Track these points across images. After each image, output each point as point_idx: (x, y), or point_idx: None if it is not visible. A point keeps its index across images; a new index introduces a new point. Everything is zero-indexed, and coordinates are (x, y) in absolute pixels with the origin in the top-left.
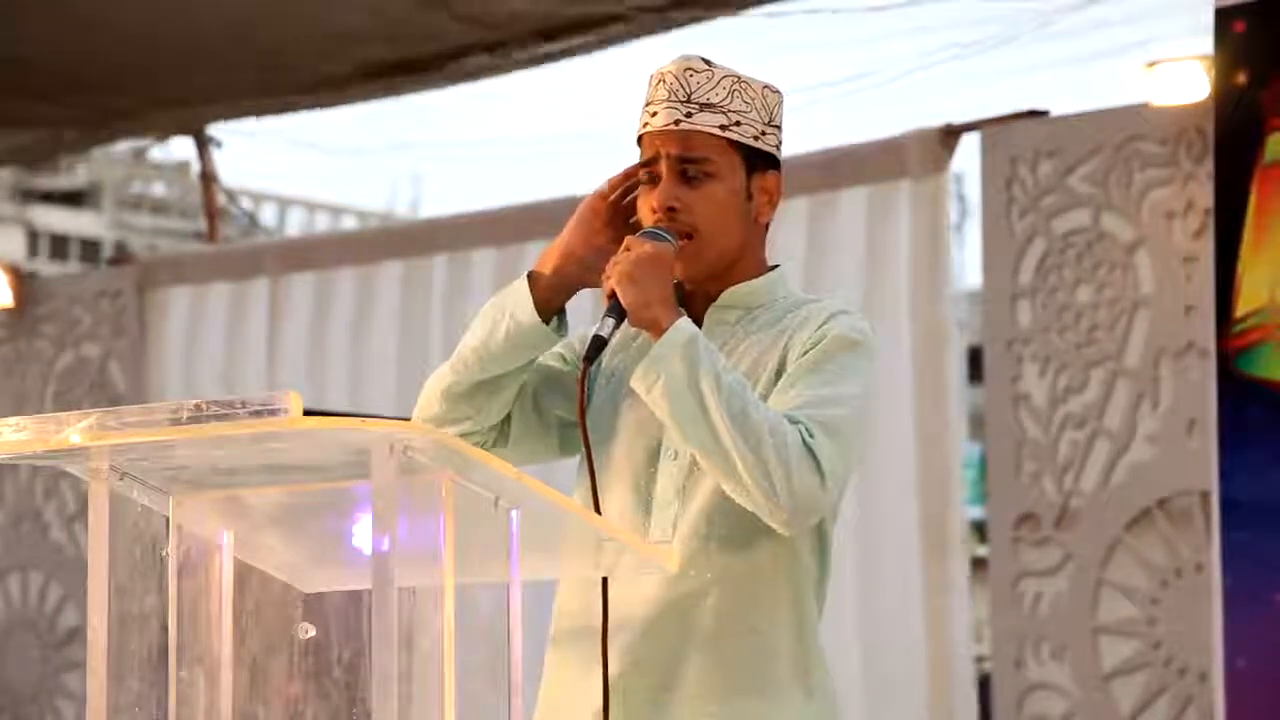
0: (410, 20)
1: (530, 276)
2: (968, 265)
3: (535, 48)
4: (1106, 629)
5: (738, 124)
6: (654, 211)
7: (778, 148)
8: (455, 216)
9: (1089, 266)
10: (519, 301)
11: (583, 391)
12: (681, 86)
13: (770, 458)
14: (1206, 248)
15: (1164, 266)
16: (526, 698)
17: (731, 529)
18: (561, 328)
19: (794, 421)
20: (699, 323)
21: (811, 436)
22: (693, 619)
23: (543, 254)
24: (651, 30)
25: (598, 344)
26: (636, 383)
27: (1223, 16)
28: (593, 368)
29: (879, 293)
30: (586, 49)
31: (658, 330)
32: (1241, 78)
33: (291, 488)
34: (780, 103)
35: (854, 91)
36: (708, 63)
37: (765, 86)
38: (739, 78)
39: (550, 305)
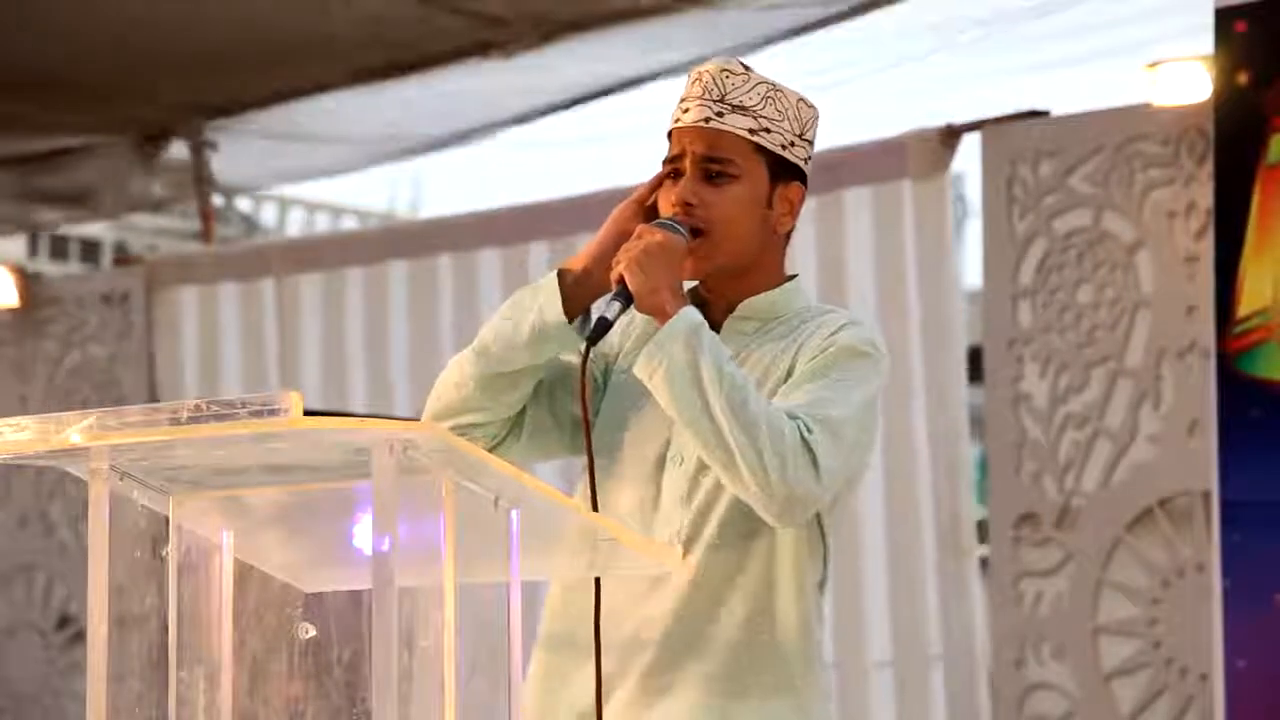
0: (409, 16)
1: (560, 274)
2: (968, 265)
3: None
4: (1107, 629)
5: (767, 130)
6: (672, 206)
7: (806, 161)
8: (463, 216)
9: (1090, 267)
10: (549, 298)
11: (585, 372)
12: (716, 86)
13: (766, 447)
14: (1208, 248)
15: (1165, 267)
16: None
17: (733, 535)
18: (585, 327)
19: (793, 417)
20: (716, 331)
21: (810, 432)
22: (694, 625)
23: (576, 255)
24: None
25: (602, 325)
26: (640, 369)
27: (1223, 16)
28: (603, 366)
29: (887, 294)
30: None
31: (663, 316)
32: (1243, 78)
33: (291, 488)
34: (815, 119)
35: (844, 81)
36: (746, 68)
37: (800, 100)
38: (775, 86)
39: (576, 303)
